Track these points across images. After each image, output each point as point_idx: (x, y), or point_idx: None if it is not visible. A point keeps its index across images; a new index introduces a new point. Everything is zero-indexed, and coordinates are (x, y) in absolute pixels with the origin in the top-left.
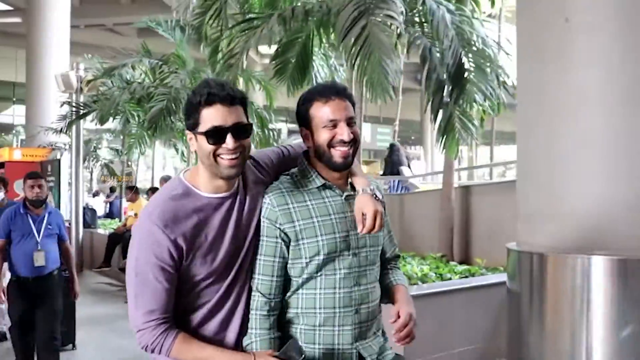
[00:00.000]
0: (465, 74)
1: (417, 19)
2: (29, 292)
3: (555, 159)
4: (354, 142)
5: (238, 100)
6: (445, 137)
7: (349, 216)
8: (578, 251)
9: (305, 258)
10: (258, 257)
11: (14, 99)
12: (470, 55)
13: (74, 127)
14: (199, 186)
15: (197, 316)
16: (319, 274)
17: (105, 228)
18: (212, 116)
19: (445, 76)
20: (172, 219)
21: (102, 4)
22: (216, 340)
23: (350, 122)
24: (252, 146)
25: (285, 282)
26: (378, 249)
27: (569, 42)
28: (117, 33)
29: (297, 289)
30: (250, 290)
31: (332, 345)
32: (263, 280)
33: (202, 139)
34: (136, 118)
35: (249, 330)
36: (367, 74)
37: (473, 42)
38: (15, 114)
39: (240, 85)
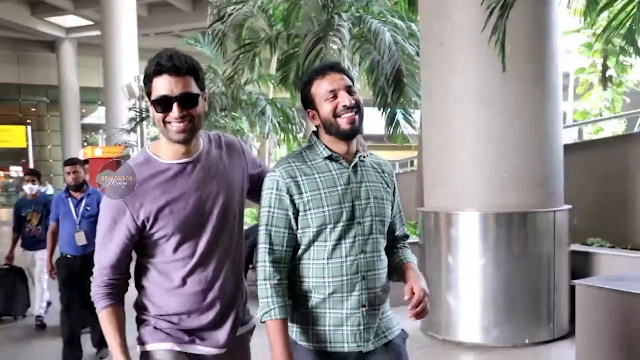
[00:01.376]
0: (404, 79)
1: (366, 37)
2: (74, 269)
3: (442, 146)
4: (357, 107)
5: (186, 70)
6: (392, 129)
7: (355, 187)
8: (456, 209)
9: (314, 227)
10: (266, 227)
11: (99, 102)
12: (405, 64)
13: (138, 128)
14: (159, 154)
15: (179, 275)
16: (326, 243)
17: None
18: (160, 86)
19: (386, 82)
20: (127, 189)
21: (168, 14)
22: (197, 300)
23: (349, 90)
24: (279, 137)
25: (294, 252)
26: (382, 219)
27: (444, 59)
28: (182, 37)
29: (307, 258)
30: (235, 255)
31: (340, 311)
32: (275, 249)
33: (152, 108)
34: None
35: (262, 301)
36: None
37: (407, 54)
38: (100, 116)
39: (261, 87)
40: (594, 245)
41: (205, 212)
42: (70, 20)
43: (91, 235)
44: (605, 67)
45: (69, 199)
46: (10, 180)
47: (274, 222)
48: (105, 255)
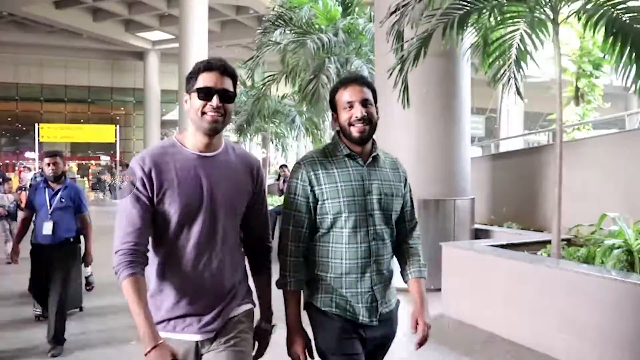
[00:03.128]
0: None
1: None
2: (43, 256)
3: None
4: (369, 120)
5: (229, 73)
6: None
7: (367, 183)
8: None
9: (331, 215)
10: (291, 212)
11: (176, 103)
12: None
13: None
14: (184, 142)
15: (179, 256)
16: (344, 230)
17: None
18: (207, 78)
19: None
20: (151, 159)
21: (237, 29)
22: (195, 277)
23: (365, 103)
24: (307, 141)
25: (311, 234)
26: (390, 213)
27: (386, 97)
28: (249, 48)
29: (328, 241)
30: (234, 244)
31: (355, 290)
32: (296, 231)
33: (194, 96)
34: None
35: (281, 273)
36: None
37: None
38: (176, 114)
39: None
40: (506, 227)
41: (209, 201)
42: (156, 35)
43: (62, 226)
44: (576, 88)
45: (46, 189)
46: (100, 168)
47: (297, 208)
48: (129, 220)
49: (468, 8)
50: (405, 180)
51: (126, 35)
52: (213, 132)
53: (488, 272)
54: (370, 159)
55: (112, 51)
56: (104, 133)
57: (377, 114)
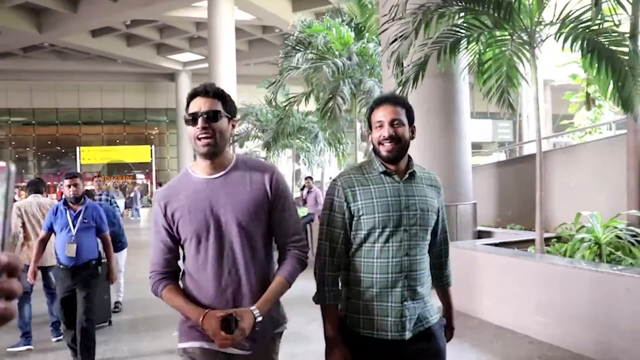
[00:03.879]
0: None
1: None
2: (68, 277)
3: None
4: (397, 140)
5: (213, 94)
6: None
7: (403, 199)
8: None
9: (365, 230)
10: (327, 227)
11: None
12: None
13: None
14: (195, 170)
15: (200, 276)
16: (375, 245)
17: None
18: (192, 105)
19: None
20: (167, 194)
21: (264, 48)
22: (214, 302)
23: (393, 123)
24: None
25: (347, 250)
26: (426, 228)
27: None
28: (277, 65)
29: (360, 256)
30: (251, 266)
31: (386, 304)
32: (332, 246)
33: (188, 126)
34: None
35: (319, 288)
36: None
37: None
38: None
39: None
40: (509, 229)
41: (215, 224)
42: (186, 56)
43: (85, 247)
44: (587, 94)
45: (67, 211)
46: (136, 187)
47: (332, 224)
48: (154, 252)
49: (458, 35)
50: (440, 193)
51: (158, 58)
52: (210, 154)
53: (479, 266)
54: (407, 175)
55: (145, 74)
56: (140, 153)
57: (412, 132)
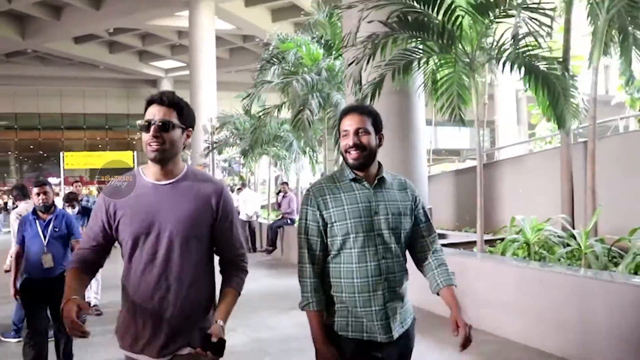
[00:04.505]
0: None
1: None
2: (39, 292)
3: None
4: (362, 148)
5: (168, 103)
6: None
7: (374, 204)
8: None
9: (340, 236)
10: (304, 236)
11: None
12: None
13: (210, 154)
14: (146, 173)
15: (134, 278)
16: (352, 250)
17: None
18: (148, 112)
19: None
20: (111, 191)
21: (244, 55)
22: (143, 307)
23: (358, 131)
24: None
25: (325, 256)
26: (399, 232)
27: None
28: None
29: (339, 262)
30: (181, 269)
31: (370, 308)
32: (311, 253)
33: (140, 130)
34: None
35: (303, 295)
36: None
37: None
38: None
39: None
40: (464, 232)
41: (154, 229)
42: (168, 63)
43: (59, 257)
44: None
45: (37, 221)
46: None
47: (309, 232)
48: (85, 238)
49: (409, 58)
50: (416, 198)
51: (140, 64)
52: (158, 161)
53: None
54: (376, 181)
55: (128, 80)
56: (123, 159)
57: (379, 140)
